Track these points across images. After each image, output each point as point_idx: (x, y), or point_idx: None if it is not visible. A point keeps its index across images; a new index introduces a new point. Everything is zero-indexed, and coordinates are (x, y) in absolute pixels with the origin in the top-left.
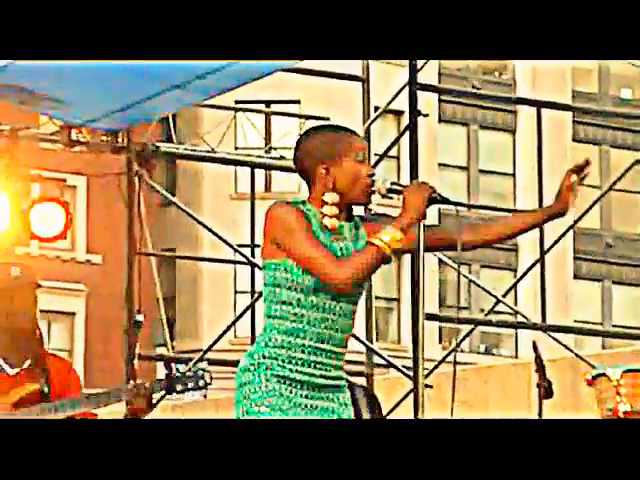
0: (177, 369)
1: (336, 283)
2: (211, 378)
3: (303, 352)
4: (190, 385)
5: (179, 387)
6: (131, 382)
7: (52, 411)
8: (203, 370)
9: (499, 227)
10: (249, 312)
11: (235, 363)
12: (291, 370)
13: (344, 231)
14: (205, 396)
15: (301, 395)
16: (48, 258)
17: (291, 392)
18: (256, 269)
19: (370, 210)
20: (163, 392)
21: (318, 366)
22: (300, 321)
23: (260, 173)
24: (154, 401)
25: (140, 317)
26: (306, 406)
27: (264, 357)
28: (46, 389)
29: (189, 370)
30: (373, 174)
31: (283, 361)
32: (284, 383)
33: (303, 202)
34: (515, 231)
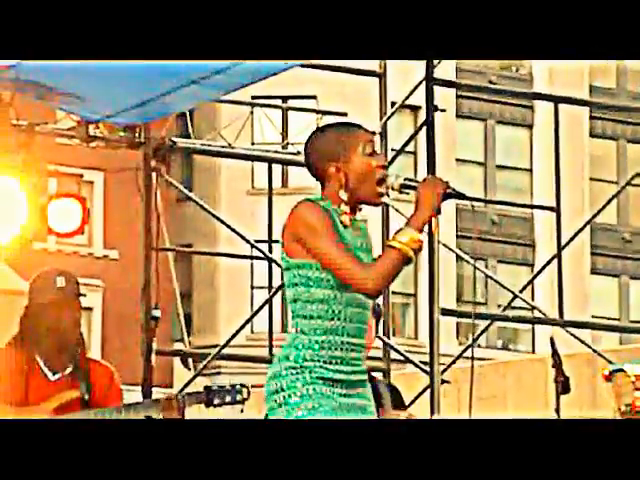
0: (215, 383)
1: (366, 291)
2: (248, 393)
3: (342, 350)
4: (228, 399)
5: (217, 401)
6: (166, 394)
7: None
8: (241, 385)
9: None
10: (266, 307)
11: (252, 358)
12: (333, 371)
13: (360, 226)
14: (242, 411)
15: (340, 394)
16: (65, 253)
17: (332, 393)
18: (273, 265)
19: (386, 205)
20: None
21: (352, 362)
22: (338, 318)
23: (277, 168)
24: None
25: (157, 312)
26: (346, 405)
27: (306, 360)
28: (86, 397)
29: (228, 384)
30: (385, 166)
31: (325, 362)
32: (327, 385)
33: (321, 198)
34: None
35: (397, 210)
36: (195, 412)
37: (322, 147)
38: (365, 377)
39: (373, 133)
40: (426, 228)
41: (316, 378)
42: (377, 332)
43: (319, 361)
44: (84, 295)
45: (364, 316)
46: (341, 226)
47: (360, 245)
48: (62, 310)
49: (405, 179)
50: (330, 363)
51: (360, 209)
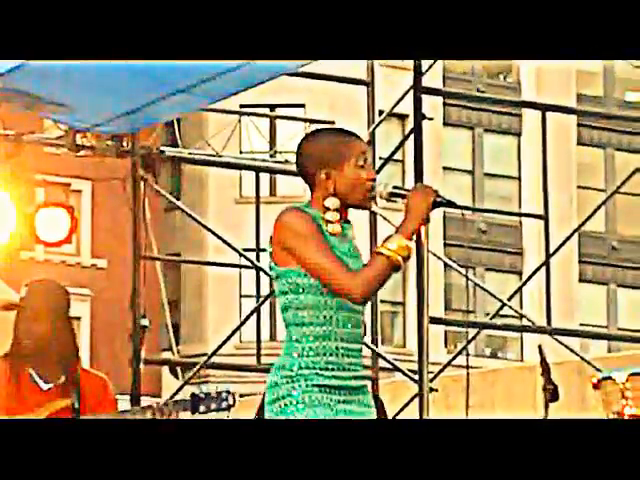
0: (202, 389)
1: (353, 298)
2: (234, 399)
3: (337, 355)
4: (214, 406)
5: (202, 408)
6: (155, 401)
7: None
8: (227, 392)
9: None
10: (254, 316)
11: (240, 367)
12: (329, 377)
13: (347, 232)
14: (228, 417)
15: (338, 401)
16: (53, 263)
17: (331, 400)
18: (261, 273)
19: (375, 214)
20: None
21: (351, 367)
22: (330, 323)
23: (265, 177)
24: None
25: (145, 321)
26: (343, 412)
27: (301, 368)
28: (77, 405)
29: (214, 391)
30: (374, 179)
31: (321, 369)
32: (324, 392)
33: (307, 205)
34: None
35: (385, 219)
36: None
37: (315, 152)
38: (366, 383)
39: (368, 143)
40: (415, 236)
41: (312, 386)
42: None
43: (314, 368)
44: (69, 302)
45: (357, 320)
46: (326, 232)
47: (348, 251)
48: (46, 322)
49: (394, 187)
50: (326, 370)
51: (346, 214)
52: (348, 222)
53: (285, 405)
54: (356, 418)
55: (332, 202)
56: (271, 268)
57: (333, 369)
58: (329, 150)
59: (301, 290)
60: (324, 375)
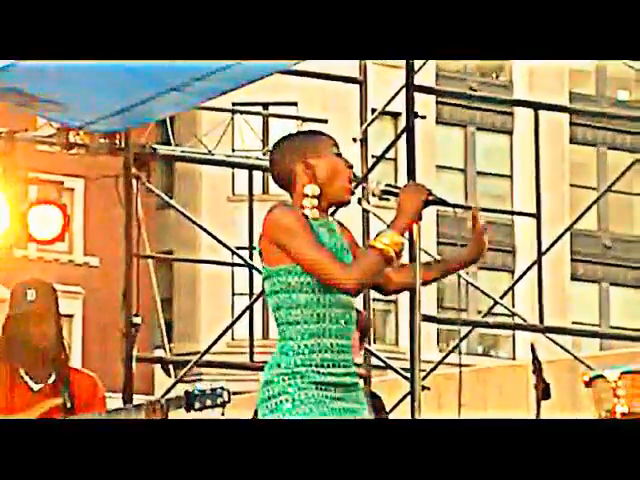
0: (196, 386)
1: (346, 288)
2: (229, 396)
3: (331, 352)
4: (208, 403)
5: (197, 405)
6: (148, 399)
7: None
8: (222, 388)
9: (433, 271)
10: (247, 314)
11: (233, 365)
12: (325, 374)
13: (333, 227)
14: (223, 414)
15: (333, 398)
16: (46, 261)
17: (326, 397)
18: (254, 271)
19: (367, 212)
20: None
21: (344, 364)
22: (323, 320)
23: (258, 175)
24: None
25: (138, 319)
26: (339, 410)
27: (297, 365)
28: (69, 404)
29: (208, 388)
30: (351, 166)
31: (317, 365)
32: (320, 389)
33: (292, 206)
34: (444, 274)
35: (377, 217)
36: (178, 417)
37: (291, 147)
38: (357, 380)
39: (360, 141)
40: (407, 234)
41: (309, 383)
42: (361, 349)
43: (311, 365)
44: (57, 302)
45: (350, 316)
46: (317, 227)
47: (335, 245)
48: (34, 323)
49: (386, 185)
50: (322, 367)
51: (328, 211)
52: (339, 222)
53: (281, 402)
54: (350, 415)
55: (311, 189)
56: (263, 268)
57: (329, 366)
58: (306, 142)
59: (293, 289)
60: (320, 372)
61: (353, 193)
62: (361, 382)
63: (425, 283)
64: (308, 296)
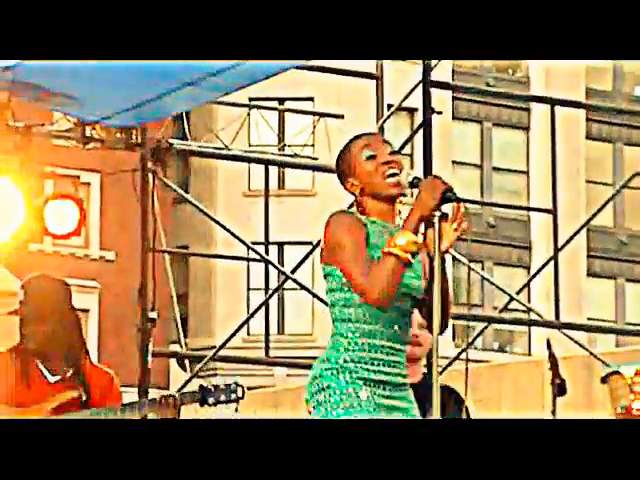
0: (210, 382)
1: (371, 301)
2: (243, 392)
3: (383, 353)
4: (222, 398)
5: (211, 400)
6: (162, 393)
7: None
8: (236, 384)
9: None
10: (262, 309)
11: (248, 360)
12: (374, 372)
13: (389, 227)
14: (237, 410)
15: (381, 395)
16: (62, 255)
17: (374, 394)
18: (270, 266)
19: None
20: (195, 404)
21: (394, 364)
22: (376, 322)
23: (274, 170)
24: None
25: (153, 314)
26: (386, 407)
27: (346, 361)
28: (85, 397)
29: (222, 383)
30: (387, 162)
31: (366, 363)
32: (368, 385)
33: (352, 211)
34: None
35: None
36: (191, 411)
37: (339, 168)
38: (407, 380)
39: (375, 134)
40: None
41: (357, 379)
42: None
43: (360, 362)
44: (71, 297)
45: (404, 322)
46: (372, 229)
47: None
48: (24, 324)
49: (414, 178)
50: (372, 364)
51: (394, 209)
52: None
53: (329, 395)
54: (399, 413)
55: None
56: (322, 267)
57: (379, 364)
58: (342, 161)
59: (347, 288)
60: (370, 369)
61: (398, 184)
62: (408, 382)
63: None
64: None
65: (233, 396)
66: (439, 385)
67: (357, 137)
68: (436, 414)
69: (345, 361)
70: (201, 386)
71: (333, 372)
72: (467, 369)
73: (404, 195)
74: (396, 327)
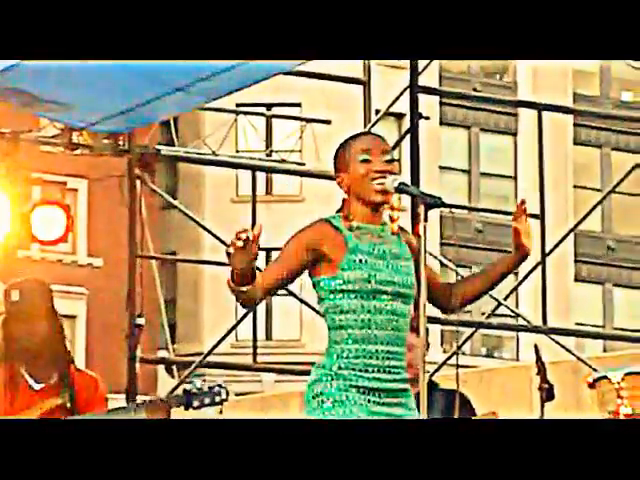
0: (195, 385)
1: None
2: (227, 394)
3: (377, 358)
4: (207, 401)
5: (196, 403)
6: (148, 397)
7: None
8: (220, 386)
9: (480, 283)
10: (250, 315)
11: (236, 366)
12: (369, 379)
13: (379, 232)
14: (221, 412)
15: (376, 402)
16: (49, 261)
17: (368, 401)
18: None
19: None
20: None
21: (392, 370)
22: (369, 327)
23: (261, 176)
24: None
25: (141, 320)
26: (380, 414)
27: (340, 369)
28: (69, 404)
29: (206, 386)
30: (379, 170)
31: (360, 370)
32: (361, 393)
33: (334, 217)
34: (493, 283)
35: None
36: (179, 415)
37: (335, 159)
38: (407, 386)
39: (378, 138)
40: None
41: (349, 386)
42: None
43: (354, 369)
44: (52, 300)
45: (399, 324)
46: (352, 239)
47: (373, 250)
48: (20, 323)
49: (400, 184)
50: (366, 371)
51: (381, 214)
52: (401, 227)
53: (322, 401)
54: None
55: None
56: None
57: (373, 371)
58: (338, 156)
59: (336, 295)
60: (364, 377)
61: (384, 192)
62: (408, 386)
63: (478, 297)
64: (352, 302)
65: (217, 398)
66: (448, 389)
67: (359, 135)
68: (423, 414)
69: (339, 368)
70: (185, 390)
71: (327, 378)
72: (457, 374)
73: (387, 203)
74: (389, 328)
